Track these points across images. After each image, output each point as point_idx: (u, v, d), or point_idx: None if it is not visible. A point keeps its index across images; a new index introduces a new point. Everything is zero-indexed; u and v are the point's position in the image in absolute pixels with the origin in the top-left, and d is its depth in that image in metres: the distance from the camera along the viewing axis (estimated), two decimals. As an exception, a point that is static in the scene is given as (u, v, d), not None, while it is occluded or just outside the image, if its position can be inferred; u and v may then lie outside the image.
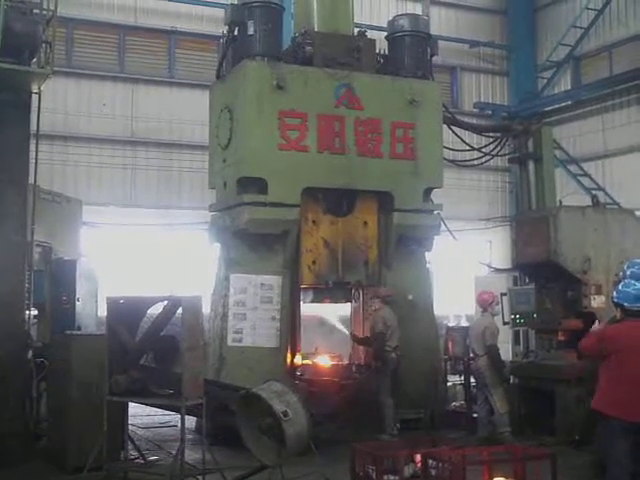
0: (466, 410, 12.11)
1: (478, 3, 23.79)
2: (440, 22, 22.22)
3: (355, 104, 11.91)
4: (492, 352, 10.71)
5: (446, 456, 7.42)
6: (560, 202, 13.96)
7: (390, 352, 11.15)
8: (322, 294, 12.19)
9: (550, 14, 23.44)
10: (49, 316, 11.28)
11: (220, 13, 15.32)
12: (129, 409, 9.40)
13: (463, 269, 19.80)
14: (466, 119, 18.64)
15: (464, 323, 17.04)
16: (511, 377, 11.43)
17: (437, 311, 12.94)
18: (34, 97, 10.09)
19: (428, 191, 12.52)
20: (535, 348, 12.91)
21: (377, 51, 12.78)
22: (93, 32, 19.70)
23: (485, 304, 11.07)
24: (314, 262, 11.77)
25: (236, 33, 12.00)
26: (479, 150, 15.61)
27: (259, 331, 11.27)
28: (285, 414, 8.02)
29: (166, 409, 10.15)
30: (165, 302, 8.83)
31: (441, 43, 14.65)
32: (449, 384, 13.03)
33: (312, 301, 12.12)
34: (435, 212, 12.68)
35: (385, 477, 7.82)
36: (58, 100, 18.12)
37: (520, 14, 23.62)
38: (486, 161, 15.78)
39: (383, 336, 11.15)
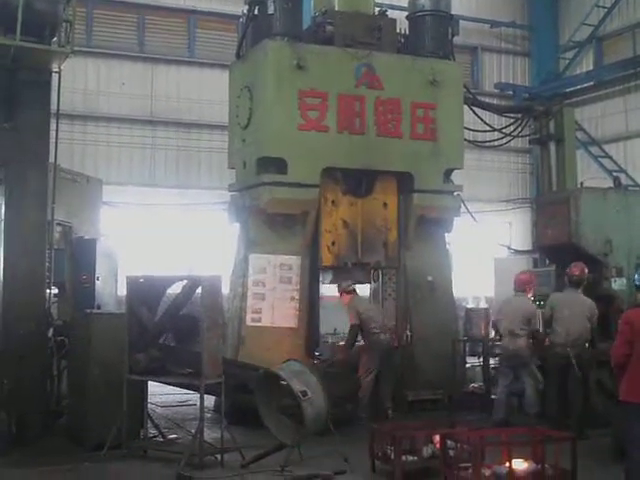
0: (485, 392, 12.07)
1: (499, -17, 23.58)
2: (461, 2, 21.86)
3: (375, 84, 11.84)
4: (540, 337, 10.50)
5: (465, 437, 7.42)
6: (581, 184, 13.86)
7: (377, 334, 10.99)
8: (341, 275, 12.17)
9: (572, -6, 23.18)
10: (69, 295, 11.35)
11: (240, -8, 15.26)
12: (148, 388, 9.46)
13: (483, 251, 19.73)
14: (487, 100, 18.54)
15: (483, 305, 16.96)
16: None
17: (456, 293, 12.90)
18: (54, 76, 10.09)
19: (448, 172, 12.45)
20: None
21: (398, 31, 12.68)
22: (113, 11, 19.74)
23: (527, 284, 10.71)
24: (333, 243, 11.74)
25: (256, 12, 11.94)
26: (500, 131, 15.51)
27: (278, 311, 11.30)
28: (304, 394, 8.06)
29: (185, 388, 10.20)
30: (185, 282, 8.87)
31: (462, 23, 14.51)
32: (468, 366, 13.00)
33: (331, 282, 12.10)
34: (455, 193, 12.62)
35: (404, 457, 7.83)
36: (78, 80, 18.17)
37: (542, -6, 23.38)
38: (507, 142, 15.65)
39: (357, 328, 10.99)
